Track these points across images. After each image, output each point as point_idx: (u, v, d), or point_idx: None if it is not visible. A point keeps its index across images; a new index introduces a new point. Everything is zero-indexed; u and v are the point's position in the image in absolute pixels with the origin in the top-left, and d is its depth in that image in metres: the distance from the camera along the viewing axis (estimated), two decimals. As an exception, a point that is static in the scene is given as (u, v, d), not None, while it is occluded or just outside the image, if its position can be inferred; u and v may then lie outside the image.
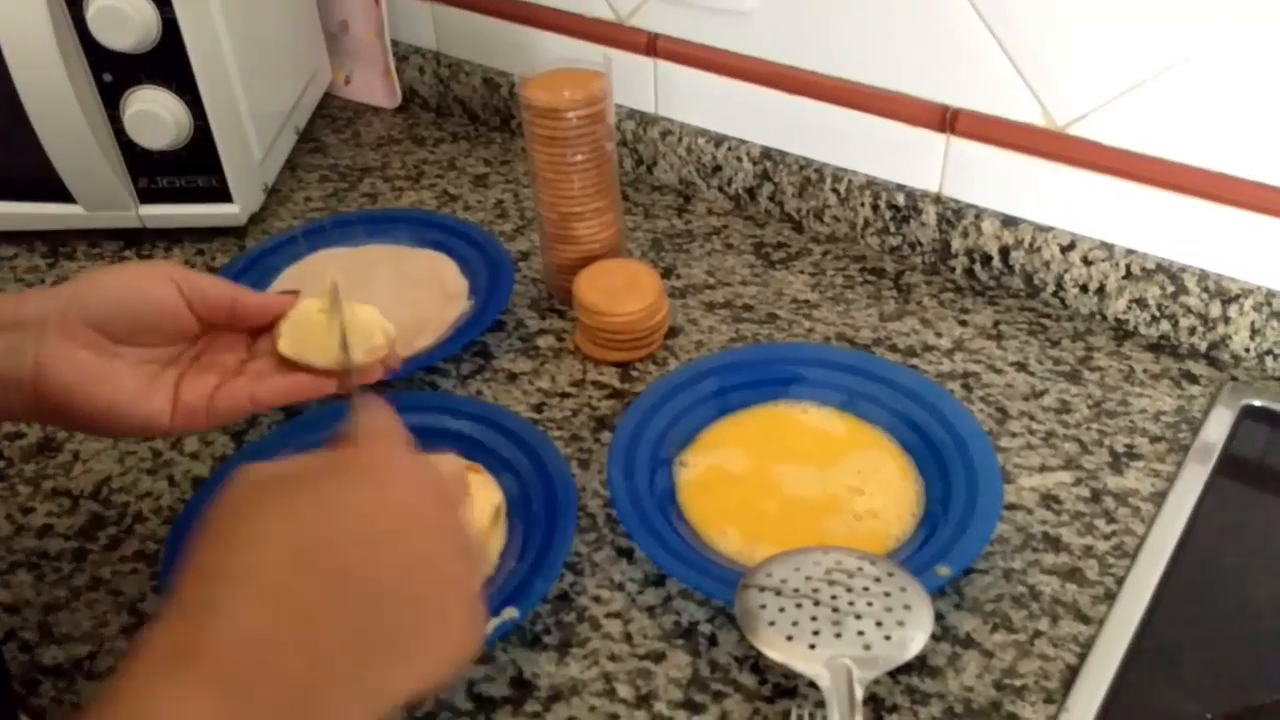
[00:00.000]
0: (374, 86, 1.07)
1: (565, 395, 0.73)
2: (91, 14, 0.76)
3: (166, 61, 0.79)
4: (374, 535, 0.37)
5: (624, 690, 0.55)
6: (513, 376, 0.75)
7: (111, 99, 0.81)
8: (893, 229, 0.84)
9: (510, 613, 0.55)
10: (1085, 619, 0.57)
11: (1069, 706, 0.53)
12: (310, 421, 0.69)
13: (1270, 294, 0.70)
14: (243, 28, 0.86)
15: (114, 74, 0.80)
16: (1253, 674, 0.56)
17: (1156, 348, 0.75)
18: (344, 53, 1.07)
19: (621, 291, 0.74)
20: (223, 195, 0.86)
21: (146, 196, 0.86)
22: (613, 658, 0.57)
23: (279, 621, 0.34)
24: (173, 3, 0.77)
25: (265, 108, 0.92)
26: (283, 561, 0.36)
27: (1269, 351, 0.72)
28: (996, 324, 0.78)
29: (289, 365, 0.55)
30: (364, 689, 0.36)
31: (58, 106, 0.78)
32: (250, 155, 0.89)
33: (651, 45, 0.89)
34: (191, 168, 0.85)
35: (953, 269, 0.83)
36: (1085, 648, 0.56)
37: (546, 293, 0.82)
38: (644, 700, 0.54)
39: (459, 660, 0.39)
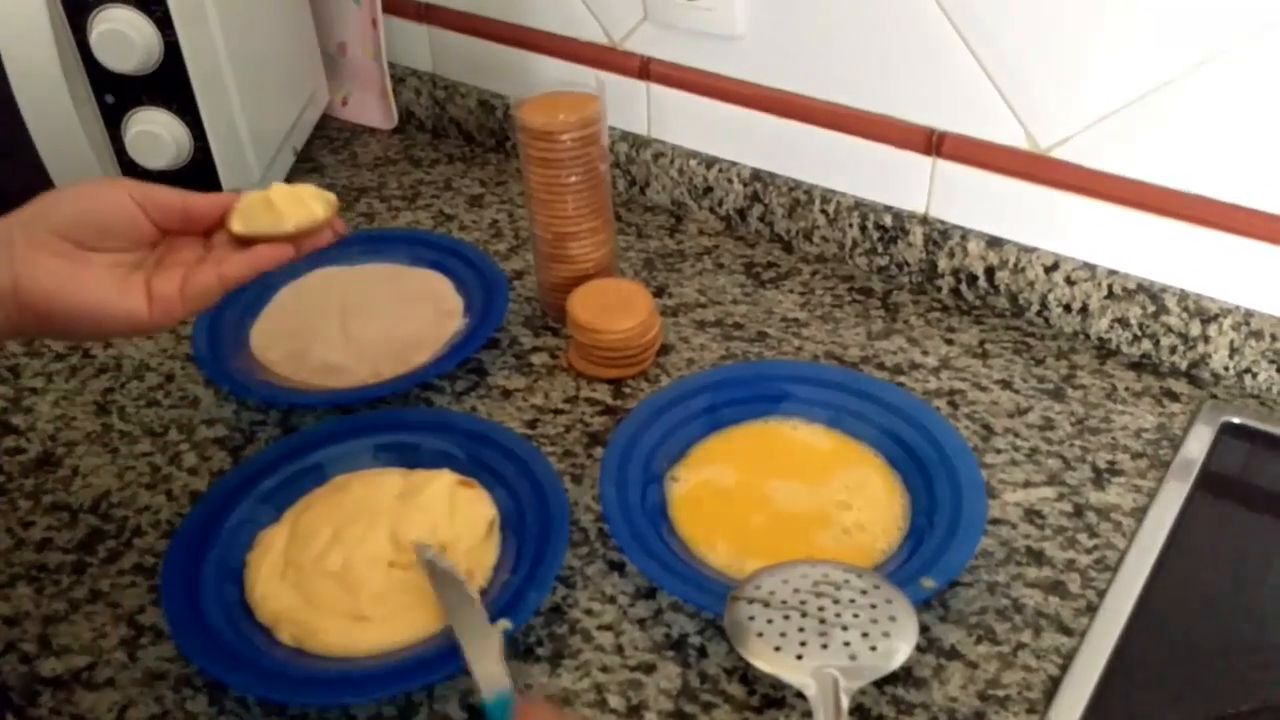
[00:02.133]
0: (371, 108, 1.09)
1: (558, 411, 0.74)
2: (95, 36, 0.77)
3: (168, 83, 0.81)
4: None
5: (615, 701, 0.56)
6: (507, 393, 0.76)
7: (113, 120, 0.82)
8: (880, 249, 0.86)
9: (504, 624, 0.56)
10: (1067, 631, 0.59)
11: (1051, 717, 0.54)
12: (308, 436, 0.70)
13: (1249, 314, 0.72)
14: (243, 50, 0.87)
15: (116, 95, 0.81)
16: (1230, 684, 0.57)
17: (1138, 366, 0.77)
18: (342, 74, 1.09)
19: (614, 310, 0.75)
20: (221, 214, 0.88)
21: (146, 215, 0.87)
22: (604, 669, 0.57)
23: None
24: (175, 25, 0.78)
25: (264, 128, 0.93)
26: None
27: (1247, 370, 0.74)
28: (982, 343, 0.79)
29: (245, 244, 0.57)
30: None
31: (60, 126, 0.80)
32: (249, 175, 0.90)
33: (644, 69, 0.91)
34: (191, 187, 0.85)
35: (939, 289, 0.84)
36: (1067, 659, 0.57)
37: (540, 311, 0.84)
38: (635, 711, 0.55)
39: None
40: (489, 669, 0.53)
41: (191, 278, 0.55)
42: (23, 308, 0.51)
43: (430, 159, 1.04)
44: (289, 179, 1.00)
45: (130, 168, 0.84)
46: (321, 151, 1.05)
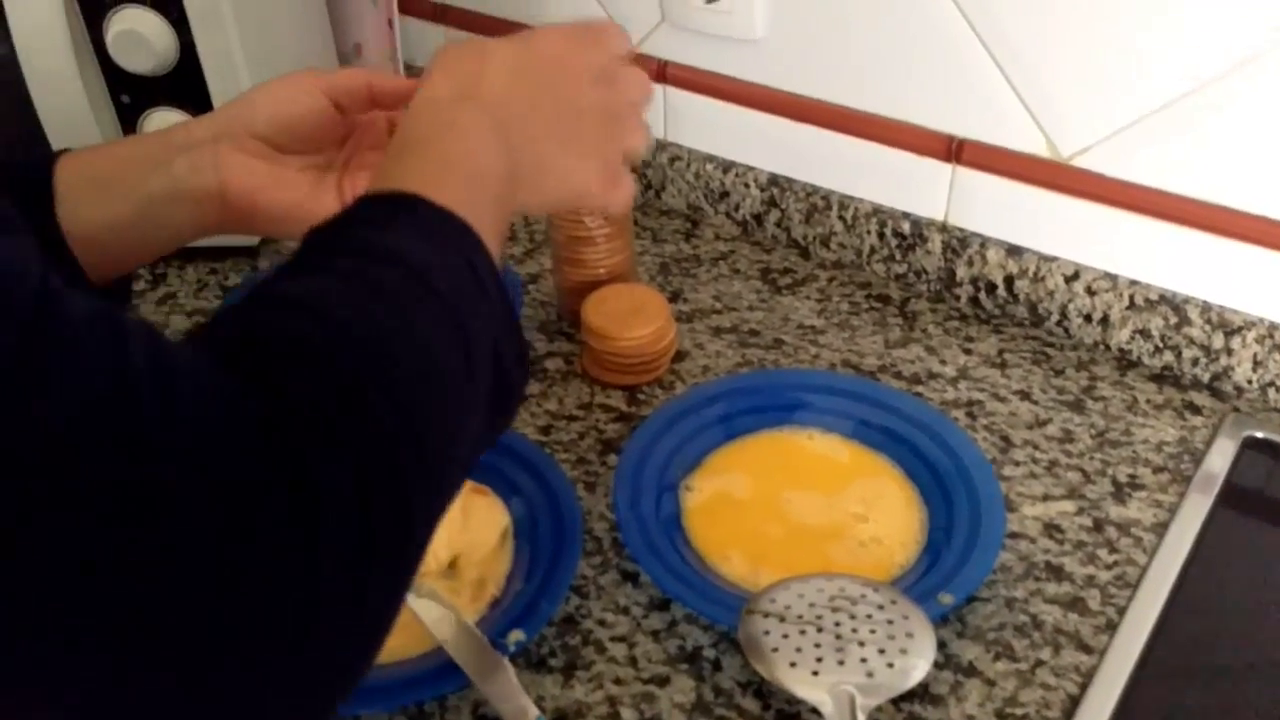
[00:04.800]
0: (386, 108, 1.08)
1: (572, 418, 0.74)
2: (111, 37, 0.77)
3: (183, 83, 0.81)
4: (565, 63, 0.51)
5: (628, 714, 0.55)
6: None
7: (129, 120, 0.82)
8: (898, 256, 0.85)
9: (517, 635, 0.56)
10: (1087, 649, 0.58)
11: (1070, 736, 0.54)
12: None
13: (1273, 326, 0.71)
14: (258, 51, 0.87)
15: (132, 96, 0.81)
16: (1253, 704, 0.56)
17: (1160, 378, 0.76)
18: (357, 75, 1.09)
19: (629, 316, 0.75)
20: (236, 215, 0.87)
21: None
22: (617, 681, 0.57)
23: (515, 95, 0.48)
24: (191, 26, 0.78)
25: (279, 129, 0.93)
26: (510, 65, 0.49)
27: (1271, 383, 0.73)
28: (1001, 352, 0.78)
29: None
30: (555, 165, 0.49)
31: (76, 127, 0.79)
32: (264, 176, 0.90)
33: (661, 72, 0.91)
34: (206, 188, 0.86)
35: (958, 297, 0.83)
36: (1087, 678, 0.56)
37: (555, 315, 0.83)
38: (648, 724, 0.55)
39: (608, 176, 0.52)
40: (515, 704, 0.53)
41: None
42: (229, 207, 0.53)
43: (445, 161, 1.04)
44: (304, 180, 1.00)
45: (145, 168, 0.84)
46: (336, 152, 1.05)
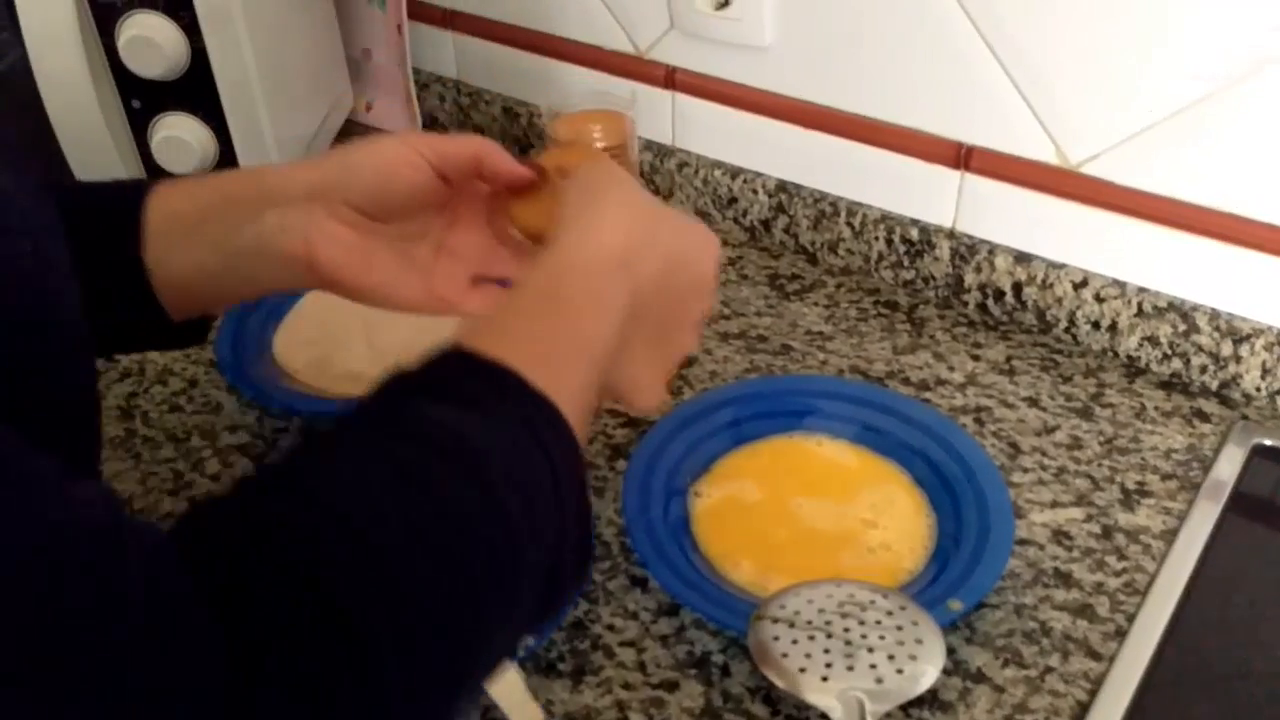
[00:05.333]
0: (395, 114, 1.09)
1: (581, 423, 0.74)
2: (123, 42, 0.77)
3: (194, 89, 0.81)
4: (702, 278, 0.52)
5: (637, 719, 0.55)
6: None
7: (140, 125, 0.82)
8: (906, 263, 0.85)
9: (525, 639, 0.56)
10: (1096, 655, 0.58)
11: (1079, 743, 0.54)
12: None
13: (1281, 334, 0.71)
14: (269, 56, 0.87)
15: (143, 101, 0.81)
16: (1263, 712, 0.56)
17: (1168, 385, 0.76)
18: (366, 80, 1.09)
19: (638, 321, 0.75)
20: (246, 220, 0.88)
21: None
22: (626, 686, 0.57)
23: (658, 290, 0.48)
24: (202, 32, 0.79)
25: (289, 134, 0.93)
26: (667, 255, 0.49)
27: (1280, 391, 0.73)
28: (1009, 359, 0.78)
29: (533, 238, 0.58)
30: (635, 356, 0.49)
31: (87, 132, 0.80)
32: (273, 181, 0.90)
33: (670, 78, 0.91)
34: (216, 193, 0.86)
35: (966, 304, 0.83)
36: (1096, 684, 0.56)
37: (563, 321, 0.83)
38: (657, 729, 0.55)
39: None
40: (524, 709, 0.53)
41: (466, 293, 0.56)
42: (312, 272, 0.52)
43: (453, 166, 1.04)
44: (313, 184, 1.00)
45: (156, 173, 0.84)
46: (345, 157, 1.05)
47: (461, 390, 0.38)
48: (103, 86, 0.79)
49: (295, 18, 0.95)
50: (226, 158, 0.85)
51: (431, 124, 1.09)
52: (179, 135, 0.82)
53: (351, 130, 1.09)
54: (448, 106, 1.07)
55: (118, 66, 0.79)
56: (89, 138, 0.80)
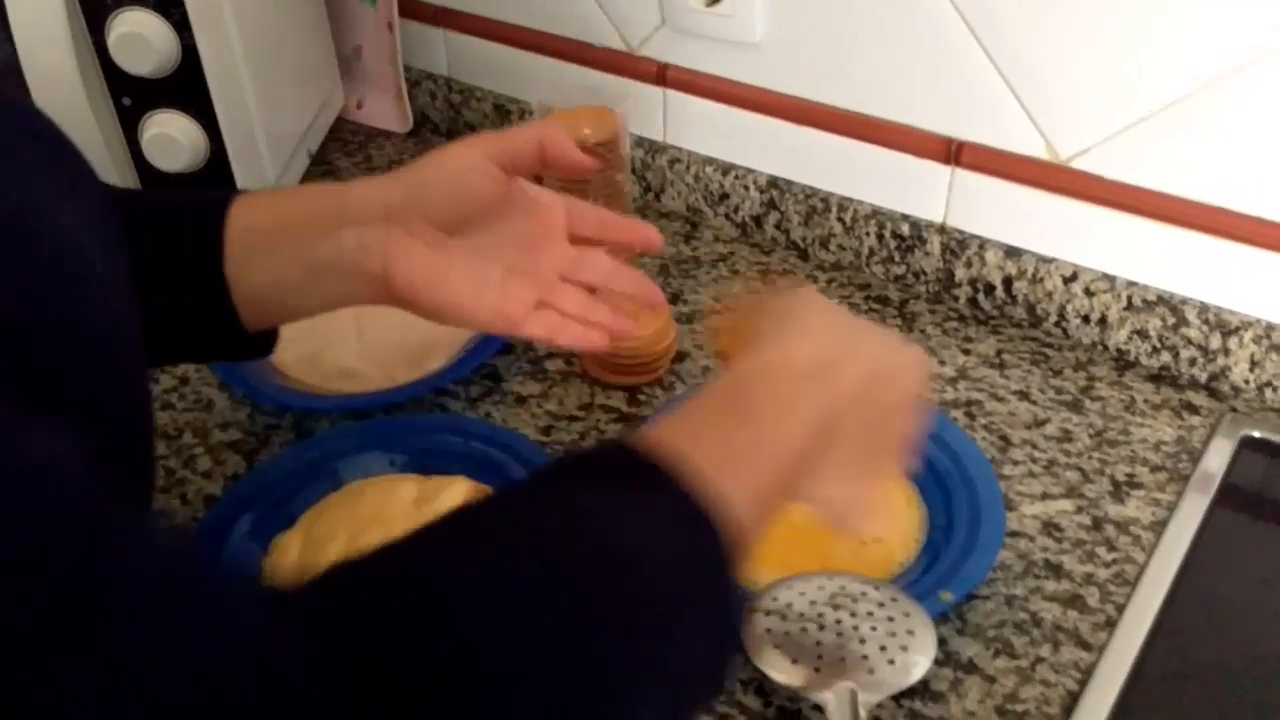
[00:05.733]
0: (386, 111, 1.09)
1: (573, 418, 0.74)
2: (113, 39, 0.77)
3: (185, 86, 0.81)
4: (903, 401, 0.49)
5: (630, 712, 0.56)
6: (521, 399, 0.76)
7: (130, 122, 0.82)
8: (897, 258, 0.85)
9: None
10: (1086, 646, 0.58)
11: (1070, 733, 0.54)
12: (322, 441, 0.70)
13: (1270, 327, 0.71)
14: (259, 54, 0.87)
15: (133, 98, 0.81)
16: (1251, 701, 0.56)
17: (1157, 378, 0.76)
18: (357, 78, 1.09)
19: (630, 317, 0.75)
20: (237, 217, 0.88)
21: (162, 218, 0.87)
22: (619, 679, 0.57)
23: (856, 408, 0.46)
24: (192, 29, 0.78)
25: (280, 131, 0.93)
26: (866, 375, 0.47)
27: (1268, 383, 0.73)
28: (999, 353, 0.79)
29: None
30: (830, 473, 0.46)
31: (77, 129, 0.80)
32: (264, 178, 0.90)
33: (661, 75, 0.91)
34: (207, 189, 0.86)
35: (956, 298, 0.84)
36: (1086, 674, 0.57)
37: (555, 317, 0.83)
38: (650, 722, 0.55)
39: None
40: None
41: (531, 315, 0.56)
42: (389, 290, 0.53)
43: (445, 163, 1.04)
44: (304, 181, 1.00)
45: (146, 170, 0.84)
46: (336, 155, 1.05)
47: (620, 482, 0.37)
48: (93, 84, 0.79)
49: (285, 15, 0.95)
50: (217, 155, 0.84)
51: (423, 121, 1.09)
52: (169, 132, 0.82)
53: (342, 128, 1.09)
54: (439, 104, 1.07)
55: (108, 63, 0.79)
56: (79, 135, 0.79)
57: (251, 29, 0.86)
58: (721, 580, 0.37)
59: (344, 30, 1.06)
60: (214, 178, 0.85)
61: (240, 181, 0.86)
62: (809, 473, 0.44)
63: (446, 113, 1.07)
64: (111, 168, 0.82)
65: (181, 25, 0.78)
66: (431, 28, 1.04)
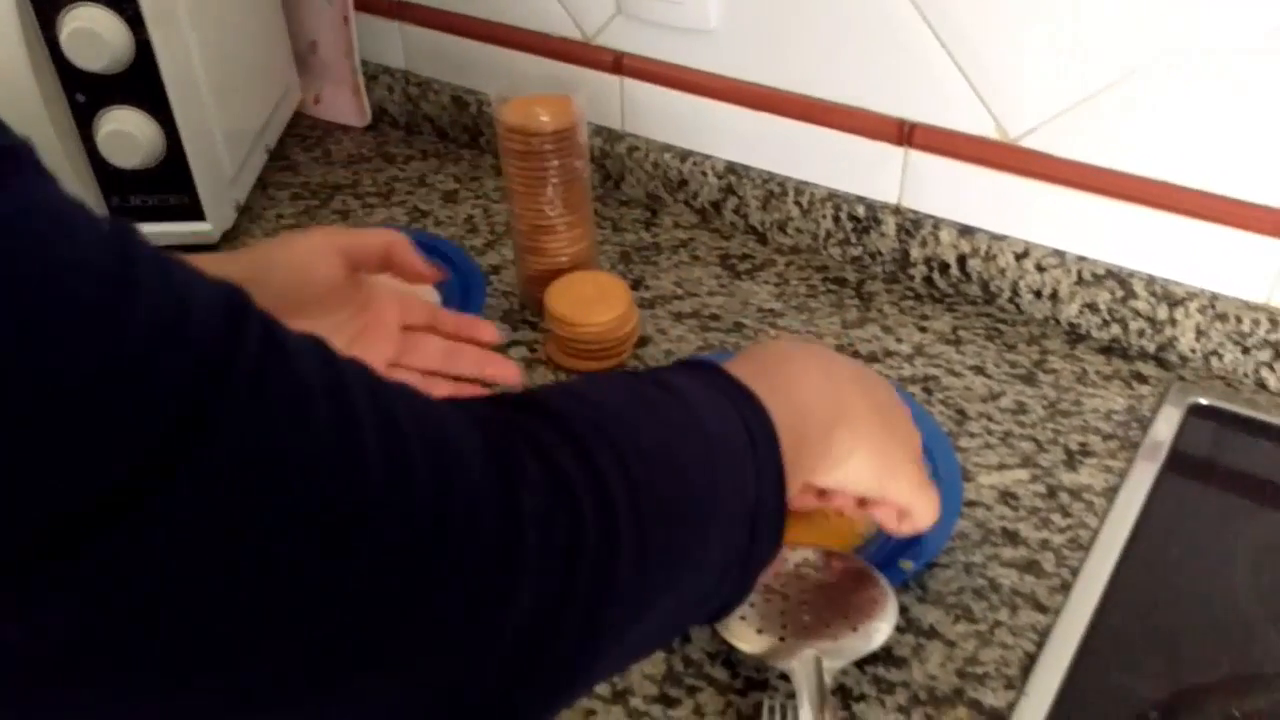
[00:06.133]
0: (344, 105, 1.09)
1: (538, 404, 0.74)
2: (65, 35, 0.77)
3: (139, 82, 0.80)
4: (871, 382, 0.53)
5: (599, 687, 0.56)
6: (486, 387, 0.76)
7: (84, 119, 0.82)
8: (854, 239, 0.87)
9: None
10: (1043, 609, 0.60)
11: (1028, 691, 0.55)
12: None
13: (1214, 297, 0.73)
14: (214, 48, 0.87)
15: (87, 94, 0.81)
16: (1200, 657, 0.58)
17: (1108, 350, 0.78)
18: (313, 72, 1.09)
19: (592, 302, 0.76)
20: (195, 213, 0.88)
21: (119, 215, 0.87)
22: (589, 656, 0.58)
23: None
24: (146, 24, 0.78)
25: (236, 127, 0.93)
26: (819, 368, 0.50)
27: (1214, 352, 0.75)
28: (955, 330, 0.80)
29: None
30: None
31: (31, 127, 0.79)
32: (222, 173, 0.90)
33: (617, 64, 0.92)
34: (164, 186, 0.86)
35: (912, 277, 0.85)
36: (1043, 636, 0.58)
37: (518, 304, 0.84)
38: (620, 696, 0.56)
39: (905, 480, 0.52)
40: None
41: None
42: None
43: (404, 156, 1.04)
44: (262, 177, 1.00)
45: (102, 167, 0.84)
46: (295, 150, 1.05)
47: (674, 371, 0.44)
48: (45, 80, 0.78)
49: (240, 9, 0.95)
50: (174, 152, 0.84)
51: (381, 115, 1.09)
52: (125, 129, 0.82)
53: (300, 123, 1.09)
54: (396, 97, 1.07)
55: (60, 60, 0.78)
56: (32, 132, 0.79)
57: (206, 24, 0.86)
58: (774, 445, 0.42)
59: (300, 24, 1.05)
60: (171, 174, 0.85)
61: (198, 177, 0.86)
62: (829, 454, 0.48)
63: (404, 106, 1.07)
64: (67, 166, 0.82)
65: (135, 21, 0.78)
66: (388, 21, 1.04)
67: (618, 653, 0.37)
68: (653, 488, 0.36)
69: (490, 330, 0.66)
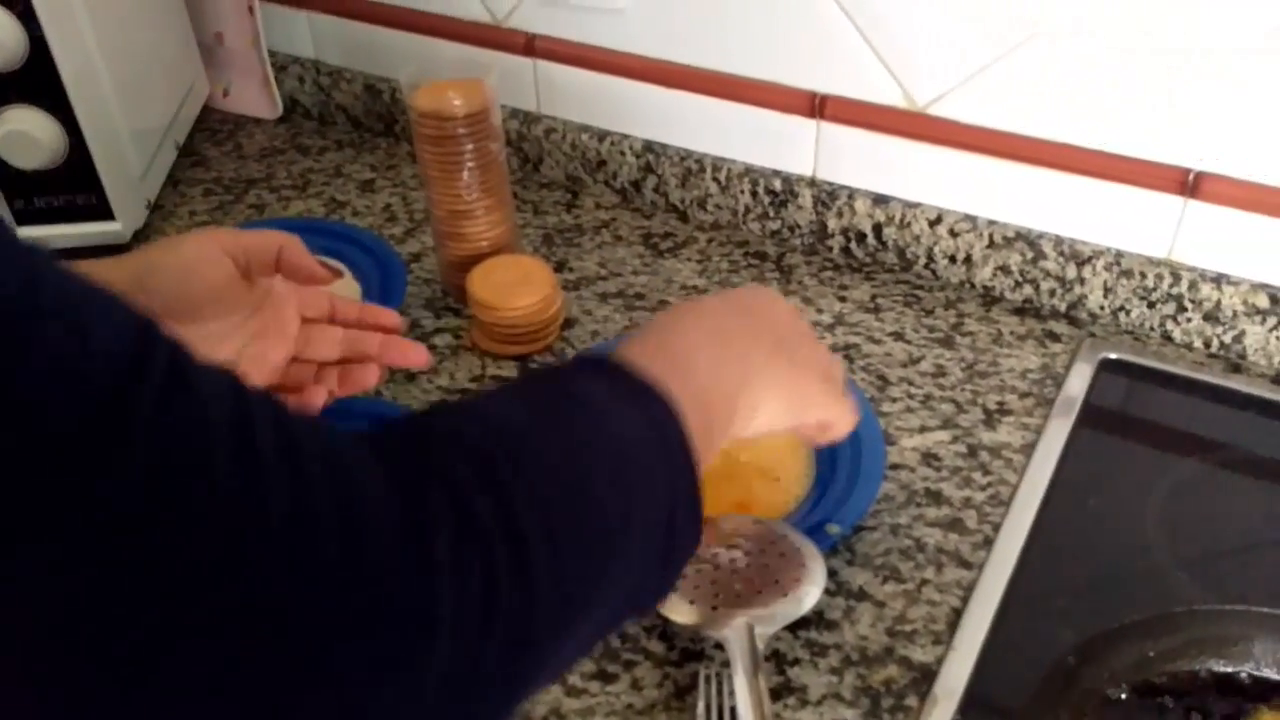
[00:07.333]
0: (253, 97, 1.07)
1: (465, 392, 0.74)
2: (-46, 34, 0.74)
3: (36, 80, 0.78)
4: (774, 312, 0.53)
5: (539, 668, 0.57)
6: (411, 376, 0.76)
7: (-19, 121, 0.79)
8: (772, 213, 0.88)
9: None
10: (967, 565, 0.61)
11: (956, 645, 0.57)
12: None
13: (1119, 254, 0.76)
14: (114, 43, 0.85)
15: (-19, 95, 0.78)
16: (1117, 602, 0.60)
17: (1021, 311, 0.80)
18: (220, 65, 1.06)
19: (515, 286, 0.76)
20: (104, 213, 0.85)
21: (24, 218, 0.84)
22: (526, 638, 0.58)
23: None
24: (40, 20, 0.76)
25: (143, 123, 0.91)
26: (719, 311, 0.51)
27: (1121, 308, 0.78)
28: (874, 298, 0.82)
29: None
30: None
31: (-77, 130, 0.76)
32: (130, 172, 0.88)
33: (530, 45, 0.91)
34: (70, 186, 0.84)
35: (830, 248, 0.87)
36: (968, 591, 0.60)
37: (441, 292, 0.83)
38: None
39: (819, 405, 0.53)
40: None
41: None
42: None
43: (318, 147, 1.03)
44: (172, 174, 0.97)
45: (3, 169, 0.81)
46: (205, 145, 1.03)
47: (574, 374, 0.43)
48: (-64, 82, 0.76)
49: (139, 2, 0.92)
50: (78, 151, 0.82)
51: (293, 106, 1.07)
52: (24, 130, 0.79)
53: (209, 117, 1.07)
54: (308, 87, 1.05)
55: (-50, 60, 0.76)
56: (-74, 137, 0.77)
57: (103, 17, 0.83)
58: (682, 438, 0.41)
59: (203, 16, 1.03)
60: (76, 174, 0.83)
61: (105, 176, 0.84)
62: (752, 398, 0.48)
63: (316, 96, 1.05)
64: (-36, 170, 0.79)
65: (27, 16, 0.75)
66: (294, 10, 1.02)
67: (545, 675, 0.37)
68: (568, 514, 0.36)
69: (392, 316, 0.64)
